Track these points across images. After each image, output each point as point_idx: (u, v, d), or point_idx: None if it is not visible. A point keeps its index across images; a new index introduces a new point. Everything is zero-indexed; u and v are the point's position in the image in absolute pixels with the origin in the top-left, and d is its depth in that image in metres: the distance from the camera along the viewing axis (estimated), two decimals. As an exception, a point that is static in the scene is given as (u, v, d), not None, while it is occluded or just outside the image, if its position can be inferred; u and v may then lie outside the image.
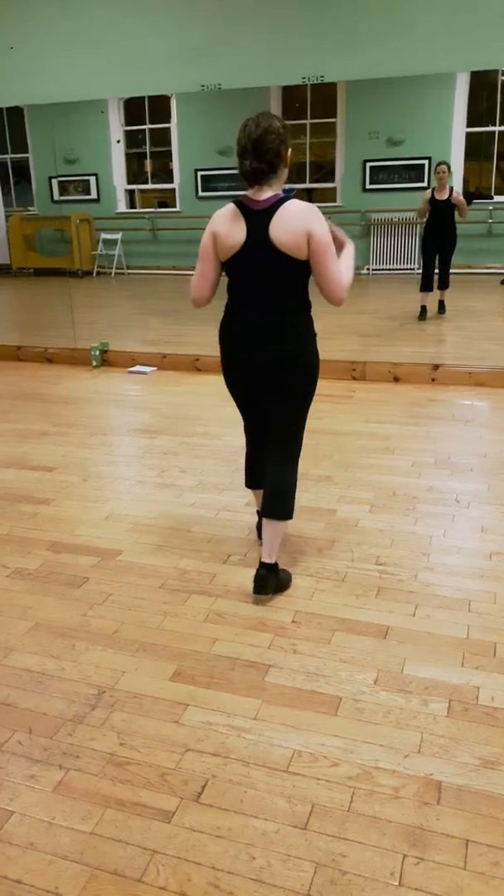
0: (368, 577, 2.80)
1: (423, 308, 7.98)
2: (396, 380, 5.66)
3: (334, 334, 7.34)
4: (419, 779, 1.83)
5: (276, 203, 2.39)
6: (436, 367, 5.67)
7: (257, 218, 2.39)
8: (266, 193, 2.41)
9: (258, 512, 2.88)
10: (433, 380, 5.61)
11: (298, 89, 11.44)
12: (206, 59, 5.92)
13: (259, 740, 1.97)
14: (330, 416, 4.84)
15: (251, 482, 2.93)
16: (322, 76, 5.93)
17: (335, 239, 2.50)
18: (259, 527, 2.90)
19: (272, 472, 2.68)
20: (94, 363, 6.43)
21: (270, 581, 2.64)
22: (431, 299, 8.04)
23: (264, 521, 2.67)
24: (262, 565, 2.65)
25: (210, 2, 6.01)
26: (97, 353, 6.42)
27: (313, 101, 11.76)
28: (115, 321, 8.67)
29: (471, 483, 3.67)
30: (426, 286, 7.97)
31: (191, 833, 1.69)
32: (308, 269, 2.43)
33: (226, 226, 2.44)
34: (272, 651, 2.36)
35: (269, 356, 2.50)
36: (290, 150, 2.45)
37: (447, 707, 2.08)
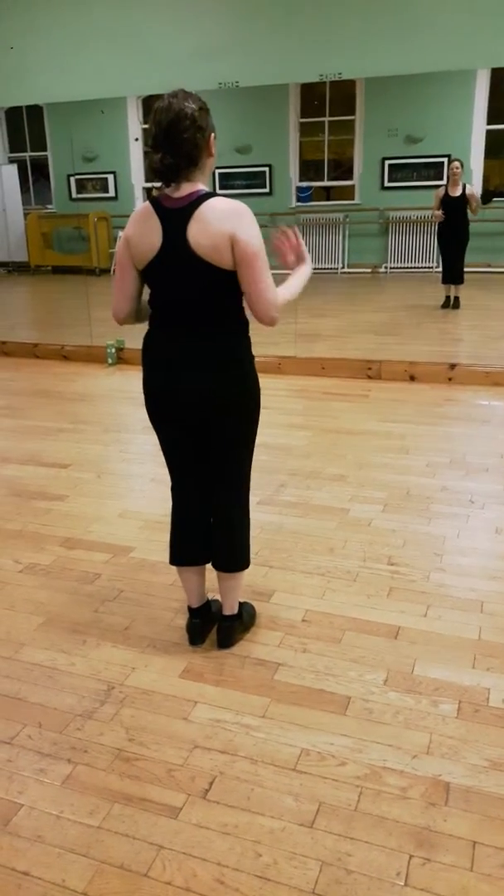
0: (380, 576, 2.79)
1: (448, 297, 8.14)
2: (413, 379, 5.64)
3: (350, 333, 7.34)
4: (427, 779, 1.82)
5: (197, 200, 1.96)
6: (453, 366, 5.64)
7: (173, 218, 1.97)
8: (185, 190, 1.98)
9: (190, 608, 2.40)
10: (450, 379, 5.57)
11: (317, 86, 11.41)
12: (224, 57, 5.92)
13: (267, 738, 1.97)
14: (345, 415, 4.83)
15: (182, 554, 2.35)
16: (340, 73, 5.92)
17: (298, 252, 2.21)
18: (190, 630, 2.41)
19: (221, 520, 2.31)
20: (110, 360, 6.46)
21: (236, 631, 2.39)
22: (452, 290, 8.15)
23: (222, 575, 2.34)
24: (225, 618, 2.38)
25: (228, 0, 6.01)
26: (113, 350, 6.45)
27: (332, 99, 11.74)
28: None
29: (486, 484, 3.65)
30: (447, 279, 8.16)
31: (197, 829, 1.70)
32: (237, 284, 2.02)
33: (139, 228, 2.03)
34: (282, 649, 2.36)
35: (193, 387, 2.09)
36: (213, 134, 2.00)
37: (457, 708, 2.07)
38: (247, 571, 2.38)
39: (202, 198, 1.96)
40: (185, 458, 2.27)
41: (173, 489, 2.34)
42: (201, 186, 2.01)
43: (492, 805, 1.74)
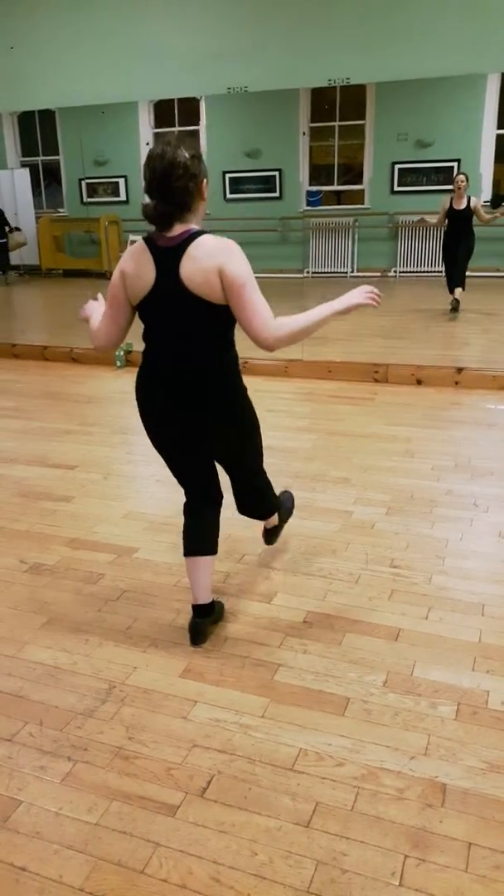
0: (382, 579, 2.80)
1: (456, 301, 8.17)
2: (419, 383, 5.63)
3: (358, 336, 7.33)
4: (424, 781, 1.83)
5: (188, 239, 2.04)
6: (459, 370, 5.63)
7: (166, 257, 2.04)
8: (177, 230, 2.05)
9: (195, 606, 2.43)
10: (457, 383, 5.57)
11: (327, 91, 11.43)
12: (233, 62, 5.95)
13: (266, 738, 1.99)
14: (350, 418, 4.84)
15: (189, 547, 2.43)
16: (348, 78, 5.93)
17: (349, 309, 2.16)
18: (193, 629, 2.42)
19: (246, 493, 2.57)
20: (119, 363, 6.50)
21: (276, 535, 2.86)
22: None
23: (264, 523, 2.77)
24: (268, 533, 2.82)
25: (237, 5, 6.05)
26: (121, 353, 6.48)
27: (342, 103, 11.74)
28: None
29: (491, 487, 3.64)
30: (452, 287, 8.16)
31: (194, 827, 1.71)
32: (230, 317, 2.09)
33: (133, 265, 2.10)
34: (283, 650, 2.37)
35: (189, 413, 2.20)
36: (206, 180, 2.08)
37: (456, 710, 2.08)
38: (248, 571, 2.43)
39: (193, 236, 2.04)
40: (189, 474, 2.41)
41: (183, 486, 2.46)
42: (193, 226, 2.09)
43: (488, 807, 1.74)
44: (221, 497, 2.46)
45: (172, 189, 2.00)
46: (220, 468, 2.47)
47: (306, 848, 1.65)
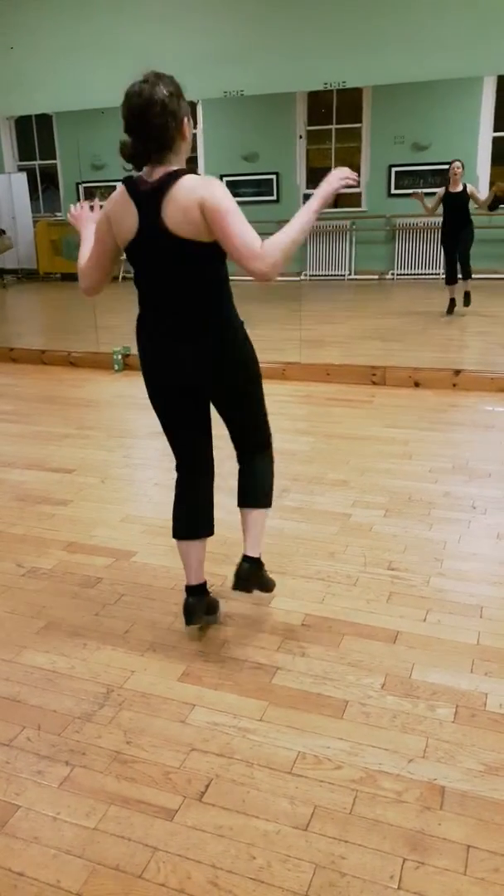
0: (380, 581, 2.80)
1: (452, 301, 8.19)
2: (417, 385, 5.64)
3: (355, 339, 7.34)
4: (422, 783, 1.82)
5: (168, 180, 1.97)
6: (457, 372, 5.64)
7: (147, 200, 1.99)
8: (158, 172, 2.00)
9: (188, 587, 2.42)
10: (454, 385, 5.58)
11: (324, 94, 11.46)
12: (229, 66, 5.97)
13: (264, 741, 1.98)
14: (348, 420, 4.84)
15: (186, 528, 2.40)
16: (344, 82, 5.96)
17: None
18: (187, 609, 2.41)
19: (249, 466, 2.42)
20: (116, 367, 6.50)
21: (256, 577, 2.44)
22: (458, 292, 8.12)
23: (251, 512, 2.41)
24: (246, 559, 2.41)
25: (233, 9, 6.06)
26: (119, 357, 6.48)
27: (339, 107, 11.77)
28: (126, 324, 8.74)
29: (488, 489, 3.64)
30: (451, 279, 8.18)
31: (192, 831, 1.71)
32: (219, 253, 2.02)
33: (116, 209, 2.07)
34: (280, 654, 2.36)
35: (191, 357, 2.15)
36: (187, 118, 2.01)
37: (454, 712, 2.07)
38: None
39: (173, 176, 1.97)
40: (188, 428, 2.33)
41: (178, 466, 2.42)
42: (174, 166, 2.01)
43: (486, 809, 1.74)
44: (213, 471, 2.43)
45: (150, 126, 1.94)
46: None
47: (305, 851, 1.64)
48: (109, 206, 2.10)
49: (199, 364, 2.17)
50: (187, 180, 1.97)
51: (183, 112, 1.99)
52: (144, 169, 2.03)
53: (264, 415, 2.41)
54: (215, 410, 2.38)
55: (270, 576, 2.58)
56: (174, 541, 2.44)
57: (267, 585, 2.54)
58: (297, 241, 2.00)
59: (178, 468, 2.42)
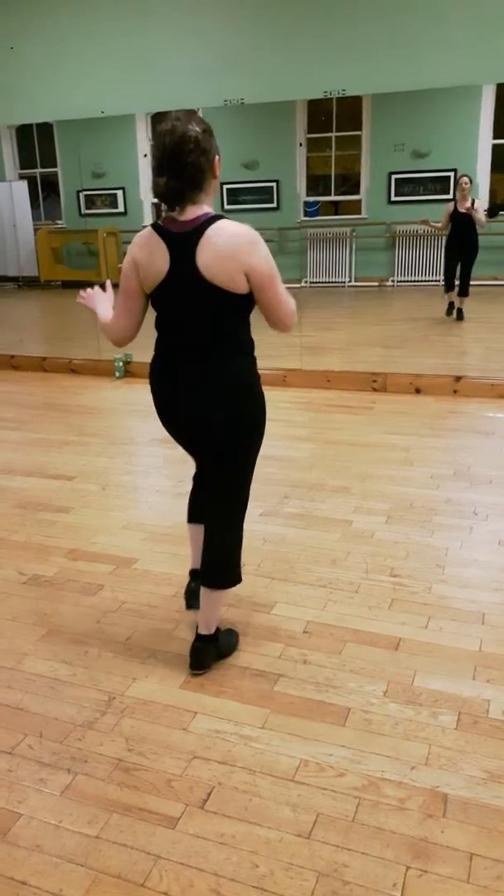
0: (382, 588, 2.79)
1: (451, 304, 8.20)
2: (418, 391, 5.65)
3: (356, 345, 7.36)
4: (425, 791, 1.82)
5: (204, 224, 1.94)
6: (458, 378, 5.64)
7: (181, 243, 1.95)
8: (190, 213, 1.97)
9: (192, 571, 2.45)
10: (455, 392, 5.58)
11: (324, 102, 11.50)
12: (229, 74, 6.00)
13: (266, 749, 1.98)
14: (349, 427, 4.85)
15: (191, 515, 2.51)
16: (344, 90, 5.97)
17: None
18: (188, 593, 2.48)
19: (211, 535, 2.30)
20: (117, 374, 6.51)
21: (209, 654, 2.31)
22: (455, 298, 8.20)
23: (204, 590, 2.29)
24: (199, 637, 2.30)
25: (233, 18, 6.09)
26: (120, 364, 6.49)
27: (339, 114, 11.82)
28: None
29: (490, 495, 3.65)
30: (449, 286, 8.27)
31: (195, 839, 1.70)
32: (248, 301, 2.03)
33: (145, 253, 2.02)
34: (282, 661, 2.36)
35: (201, 408, 2.09)
36: (218, 157, 2.00)
37: (456, 719, 2.07)
38: (248, 581, 2.41)
39: (209, 221, 1.95)
40: (199, 449, 2.30)
41: (194, 459, 2.42)
42: (207, 209, 2.00)
43: (489, 817, 1.74)
44: None
45: (184, 164, 1.91)
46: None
47: (307, 859, 1.64)
48: (136, 250, 2.05)
49: (209, 424, 2.11)
50: (225, 227, 1.95)
51: (214, 150, 1.98)
52: (173, 212, 1.99)
53: (245, 486, 2.25)
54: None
55: (271, 584, 2.57)
56: (176, 548, 2.45)
57: (227, 653, 2.38)
58: None
59: (195, 476, 2.49)
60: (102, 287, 2.40)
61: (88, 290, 2.40)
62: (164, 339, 2.13)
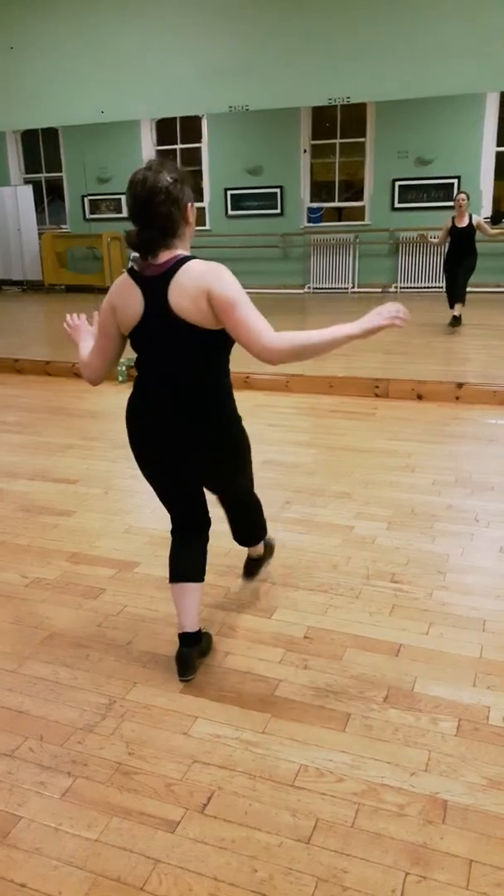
0: (383, 594, 2.80)
1: (455, 318, 8.24)
2: (420, 398, 5.65)
3: (358, 351, 7.35)
4: (425, 797, 1.82)
5: (175, 265, 1.98)
6: (460, 385, 5.65)
7: (153, 285, 2.00)
8: (163, 257, 2.00)
9: (182, 635, 2.31)
10: (457, 398, 5.59)
11: (328, 109, 11.55)
12: (234, 81, 6.03)
13: (266, 754, 1.98)
14: (351, 433, 4.85)
15: (174, 573, 2.36)
16: (348, 97, 6.00)
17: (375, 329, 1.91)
18: (180, 657, 2.31)
19: (235, 507, 2.57)
20: (121, 378, 6.52)
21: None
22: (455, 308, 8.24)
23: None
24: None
25: (238, 25, 6.12)
26: (123, 368, 6.50)
27: (343, 121, 11.86)
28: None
29: (491, 502, 3.65)
30: (453, 301, 8.24)
31: (194, 844, 1.70)
32: (225, 340, 2.05)
33: (120, 297, 2.07)
34: (283, 666, 2.36)
35: (182, 443, 2.15)
36: (191, 204, 2.03)
37: (456, 726, 2.07)
38: (249, 587, 2.48)
39: (179, 262, 1.99)
40: (180, 496, 2.32)
41: (170, 513, 2.39)
42: (180, 252, 2.03)
43: (489, 824, 1.74)
44: (208, 524, 2.39)
45: (155, 215, 1.95)
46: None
47: (307, 865, 1.64)
48: (113, 295, 2.10)
49: (195, 446, 2.17)
50: (193, 266, 1.98)
51: (186, 198, 2.01)
52: (147, 259, 2.02)
53: (252, 488, 2.58)
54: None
55: (271, 589, 2.58)
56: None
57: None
58: (315, 347, 1.95)
59: (172, 521, 2.40)
60: (89, 320, 2.42)
61: (75, 317, 2.45)
62: (144, 377, 2.18)
